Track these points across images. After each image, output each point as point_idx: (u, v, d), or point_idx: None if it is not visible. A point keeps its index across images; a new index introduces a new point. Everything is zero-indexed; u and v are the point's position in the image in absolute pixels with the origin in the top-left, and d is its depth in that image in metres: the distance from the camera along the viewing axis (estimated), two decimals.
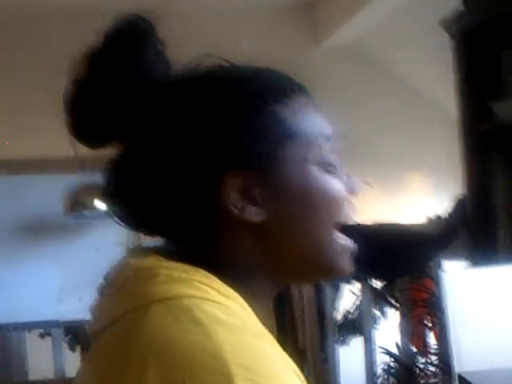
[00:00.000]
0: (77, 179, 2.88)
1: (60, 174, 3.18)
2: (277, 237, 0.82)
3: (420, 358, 3.23)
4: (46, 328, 3.53)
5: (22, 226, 3.04)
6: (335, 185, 0.84)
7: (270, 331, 0.78)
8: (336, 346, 3.08)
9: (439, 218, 3.16)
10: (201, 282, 0.76)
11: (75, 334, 3.83)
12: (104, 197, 0.84)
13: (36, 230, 3.05)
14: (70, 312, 2.96)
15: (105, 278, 0.82)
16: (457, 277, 2.09)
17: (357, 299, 3.54)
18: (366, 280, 3.10)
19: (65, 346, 3.64)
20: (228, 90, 0.81)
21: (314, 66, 5.23)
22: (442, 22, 2.66)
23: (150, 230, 0.85)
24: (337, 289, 3.13)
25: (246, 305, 0.78)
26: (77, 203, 2.97)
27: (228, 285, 0.78)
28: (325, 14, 5.18)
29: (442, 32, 2.67)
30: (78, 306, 2.87)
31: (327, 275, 0.91)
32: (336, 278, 0.90)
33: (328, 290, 3.01)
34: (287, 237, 0.82)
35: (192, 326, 0.70)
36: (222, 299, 0.75)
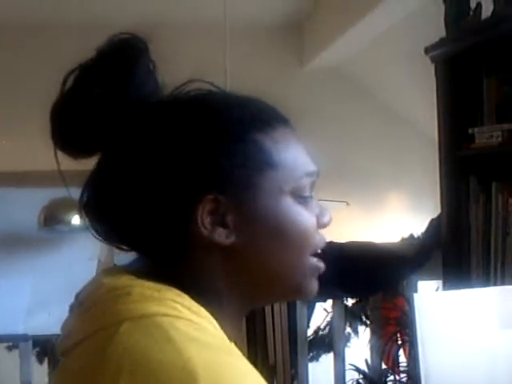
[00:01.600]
0: (52, 193, 2.85)
1: (36, 188, 3.15)
2: (245, 260, 0.84)
3: (389, 375, 3.25)
4: (14, 341, 3.49)
5: None
6: (306, 217, 0.86)
7: (240, 350, 0.80)
8: (306, 362, 3.09)
9: (413, 237, 3.19)
10: (173, 301, 0.77)
11: (43, 346, 3.81)
12: (81, 210, 0.86)
13: (9, 243, 3.02)
14: (39, 326, 2.92)
15: (76, 296, 0.83)
16: (428, 297, 2.11)
17: (328, 316, 3.55)
18: (338, 297, 3.11)
19: (33, 358, 3.61)
20: (213, 115, 0.83)
21: (298, 87, 5.28)
22: (425, 48, 2.70)
23: (125, 245, 0.86)
24: (309, 306, 3.14)
25: (216, 324, 0.80)
26: (51, 217, 2.95)
27: (198, 304, 0.80)
28: (310, 36, 5.22)
29: (425, 57, 2.71)
30: (48, 320, 2.84)
31: (294, 297, 0.95)
32: (302, 299, 0.93)
33: (300, 307, 3.02)
34: (255, 261, 0.84)
35: (165, 343, 0.71)
36: (194, 317, 0.77)
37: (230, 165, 0.81)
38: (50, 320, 2.85)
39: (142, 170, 0.82)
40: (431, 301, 2.02)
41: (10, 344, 3.72)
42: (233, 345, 0.80)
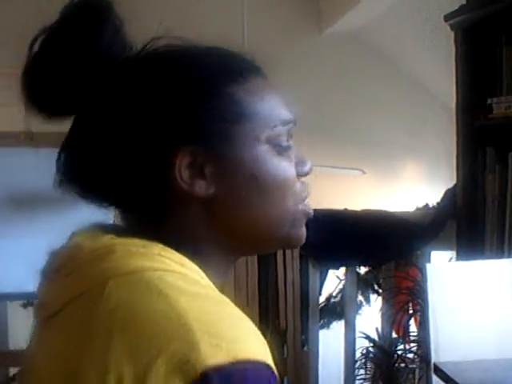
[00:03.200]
0: None
1: (51, 148, 3.16)
2: (226, 211, 0.84)
3: (399, 344, 3.26)
4: (29, 299, 3.52)
5: (7, 197, 3.02)
6: (284, 165, 0.86)
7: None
8: (317, 329, 3.10)
9: (428, 207, 3.18)
10: (160, 255, 0.77)
11: None
12: (59, 172, 0.85)
13: (22, 202, 3.03)
14: None
15: (49, 263, 0.82)
16: (442, 268, 2.10)
17: (340, 283, 3.56)
18: (351, 264, 3.12)
19: None
20: (184, 68, 0.82)
21: (316, 53, 5.24)
22: (445, 16, 2.66)
23: (107, 203, 0.86)
24: (322, 272, 3.15)
25: (203, 274, 0.80)
26: None
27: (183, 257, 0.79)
28: (328, 1, 5.17)
29: (444, 24, 2.68)
30: None
31: (281, 246, 0.93)
32: (290, 247, 0.92)
33: (313, 273, 3.02)
34: (236, 212, 0.84)
35: (155, 297, 0.71)
36: (182, 270, 0.77)
37: (204, 117, 0.81)
38: None
39: (116, 128, 0.81)
40: (444, 271, 2.01)
41: (25, 301, 3.76)
42: (222, 295, 0.79)
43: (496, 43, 2.55)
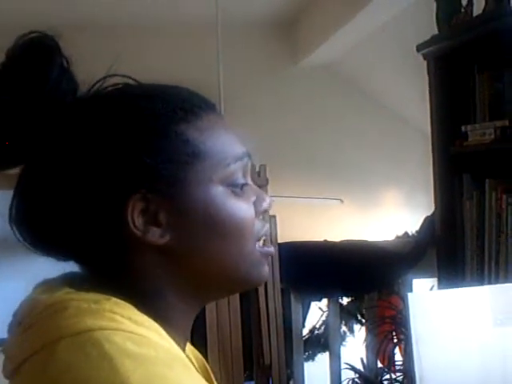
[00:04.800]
0: None
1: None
2: (183, 257, 0.80)
3: (385, 374, 3.25)
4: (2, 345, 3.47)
5: None
6: (241, 206, 0.83)
7: (189, 355, 0.78)
8: (302, 361, 3.09)
9: (408, 235, 3.20)
10: (112, 311, 0.74)
11: None
12: (11, 222, 0.82)
13: (4, 247, 3.00)
14: None
15: (14, 316, 0.80)
16: (423, 296, 2.10)
17: (323, 315, 3.55)
18: (333, 295, 3.11)
19: None
20: (132, 109, 0.79)
21: (291, 84, 5.28)
22: (417, 46, 2.70)
23: (60, 256, 0.83)
24: (305, 305, 3.14)
25: (161, 330, 0.76)
26: None
27: (141, 311, 0.76)
28: (303, 33, 5.21)
29: (417, 54, 2.71)
30: None
31: (244, 287, 0.89)
32: (252, 287, 0.90)
33: (295, 306, 3.02)
34: (194, 256, 0.81)
35: (100, 361, 0.68)
36: (134, 328, 0.73)
37: (154, 161, 0.78)
38: None
39: (65, 175, 0.78)
40: (426, 300, 2.01)
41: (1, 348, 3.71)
42: (179, 353, 0.77)
43: (469, 71, 2.58)
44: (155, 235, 0.79)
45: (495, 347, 1.90)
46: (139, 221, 0.78)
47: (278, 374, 2.94)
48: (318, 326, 3.69)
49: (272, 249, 0.87)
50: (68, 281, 0.81)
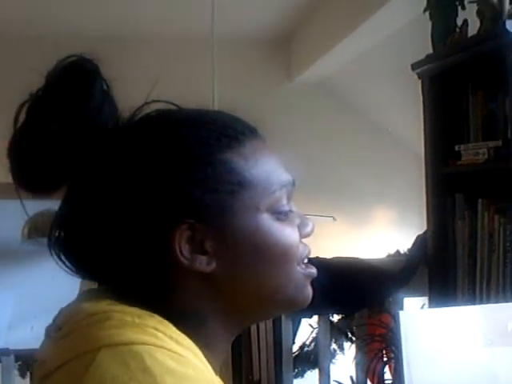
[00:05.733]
0: (37, 206, 2.80)
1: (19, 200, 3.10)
2: (229, 284, 0.80)
3: None
4: None
5: None
6: (287, 232, 0.82)
7: (224, 379, 0.77)
8: (291, 378, 3.07)
9: (399, 253, 3.19)
10: (155, 328, 0.74)
11: (26, 360, 3.76)
12: (50, 248, 0.81)
13: None
14: (21, 340, 2.87)
15: (54, 320, 0.80)
16: (414, 315, 2.10)
17: (313, 332, 3.54)
18: (323, 313, 3.11)
19: (15, 372, 3.56)
20: (176, 137, 0.79)
21: (285, 101, 5.29)
22: (412, 64, 2.71)
23: (101, 280, 0.82)
24: (295, 321, 3.13)
25: (199, 353, 0.76)
26: (35, 230, 2.92)
27: (181, 332, 0.76)
28: (298, 51, 5.24)
29: (412, 73, 2.72)
30: (30, 334, 2.79)
31: (288, 310, 0.90)
32: (297, 309, 0.90)
33: (285, 322, 3.00)
34: (239, 283, 0.81)
35: (141, 375, 0.68)
36: (175, 347, 0.73)
37: (200, 191, 0.77)
38: (33, 334, 2.81)
39: (110, 204, 0.78)
40: (417, 318, 2.01)
41: None
42: (215, 377, 0.77)
43: (463, 91, 2.59)
44: (202, 263, 0.79)
45: (486, 367, 1.89)
46: (186, 249, 0.78)
47: None
48: (307, 343, 3.68)
49: (315, 270, 0.87)
50: (111, 292, 0.80)
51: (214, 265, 0.79)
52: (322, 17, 4.74)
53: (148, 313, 0.76)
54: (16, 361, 3.59)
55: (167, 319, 0.77)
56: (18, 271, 2.99)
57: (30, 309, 2.90)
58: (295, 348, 3.41)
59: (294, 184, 0.86)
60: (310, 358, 3.59)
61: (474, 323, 1.92)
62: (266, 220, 0.81)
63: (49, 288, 2.91)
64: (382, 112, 5.41)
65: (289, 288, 0.84)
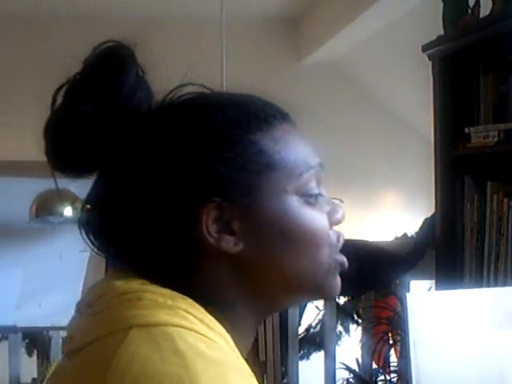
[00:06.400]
0: (45, 184, 2.81)
1: (28, 178, 3.10)
2: (256, 266, 0.80)
3: (380, 375, 3.24)
4: (3, 333, 3.46)
5: None
6: (315, 216, 0.82)
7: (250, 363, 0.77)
8: (297, 360, 3.08)
9: (407, 236, 3.19)
10: (186, 311, 0.75)
11: (33, 338, 3.79)
12: (80, 227, 0.83)
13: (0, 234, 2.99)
14: (29, 318, 2.88)
15: (84, 297, 0.81)
16: (421, 297, 2.10)
17: (319, 314, 3.54)
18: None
19: (22, 350, 3.58)
20: (207, 118, 0.80)
21: (294, 82, 5.27)
22: (423, 46, 2.69)
23: (128, 261, 0.83)
24: (301, 303, 3.13)
25: (228, 337, 0.77)
26: (43, 208, 2.92)
27: (211, 315, 0.77)
28: (307, 30, 5.21)
29: (422, 55, 2.69)
30: (38, 312, 2.80)
31: (315, 298, 0.90)
32: (324, 298, 0.90)
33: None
34: (266, 266, 0.81)
35: (172, 356, 0.68)
36: (205, 330, 0.74)
37: (229, 170, 0.78)
38: (40, 312, 2.82)
39: (140, 183, 0.79)
40: (423, 301, 2.00)
41: (0, 335, 3.70)
42: (243, 362, 0.77)
43: (473, 73, 2.57)
44: (229, 243, 0.79)
45: (493, 350, 1.89)
46: (213, 228, 0.78)
47: (273, 371, 2.94)
48: (313, 325, 3.69)
49: (344, 258, 0.86)
50: (142, 272, 0.80)
51: (241, 245, 0.79)
52: None
53: (180, 295, 0.77)
54: (23, 339, 3.61)
55: (195, 302, 0.77)
56: (26, 249, 3.00)
57: (37, 287, 2.91)
58: (301, 330, 3.42)
59: (322, 167, 0.86)
60: (316, 340, 3.60)
61: (482, 306, 1.92)
62: (294, 202, 0.81)
63: (56, 266, 2.93)
64: (391, 94, 5.39)
65: (317, 274, 0.83)
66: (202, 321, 0.75)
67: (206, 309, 0.77)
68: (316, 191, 0.84)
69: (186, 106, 0.83)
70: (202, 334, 0.73)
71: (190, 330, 0.73)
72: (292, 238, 0.81)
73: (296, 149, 0.84)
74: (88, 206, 0.83)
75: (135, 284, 0.78)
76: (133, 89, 0.82)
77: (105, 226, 0.82)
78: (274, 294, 0.83)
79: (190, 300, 0.77)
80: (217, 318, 0.77)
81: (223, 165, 0.78)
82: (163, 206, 0.78)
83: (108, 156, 0.81)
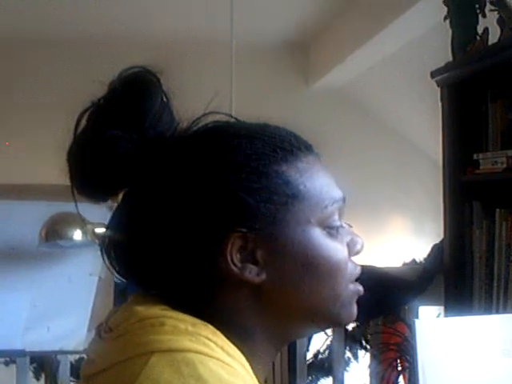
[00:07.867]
0: (55, 208, 2.81)
1: (38, 202, 3.10)
2: (277, 296, 0.81)
3: None
4: (11, 357, 3.44)
5: None
6: (337, 248, 0.84)
7: None
8: None
9: (415, 262, 3.17)
10: (207, 338, 0.75)
11: (40, 362, 3.77)
12: (102, 252, 0.83)
13: (9, 258, 2.98)
14: (37, 342, 2.87)
15: (105, 321, 0.81)
16: (430, 323, 2.09)
17: (328, 339, 3.52)
18: None
19: (30, 374, 3.57)
20: (234, 148, 0.80)
21: (303, 107, 5.29)
22: (431, 72, 2.69)
23: (149, 286, 0.83)
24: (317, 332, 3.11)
25: (247, 365, 0.77)
26: (53, 232, 2.92)
27: (231, 342, 0.77)
28: (316, 56, 5.24)
29: (431, 81, 2.70)
30: (46, 336, 2.79)
31: (332, 327, 0.91)
32: (341, 326, 0.91)
33: None
34: (287, 296, 0.81)
35: (194, 382, 0.69)
36: (226, 358, 0.74)
37: (254, 200, 0.79)
38: (49, 336, 2.81)
39: (165, 211, 0.80)
40: (432, 327, 1.99)
41: (7, 359, 3.69)
42: None
43: (482, 99, 2.58)
44: (252, 273, 0.80)
45: (502, 378, 1.87)
46: (237, 258, 0.79)
47: None
48: (322, 351, 3.66)
49: (361, 288, 0.89)
50: (163, 298, 0.81)
51: (263, 276, 0.80)
52: (340, 23, 4.74)
53: (201, 321, 0.77)
54: (31, 363, 3.60)
55: (217, 330, 0.78)
56: (35, 273, 2.99)
57: (46, 310, 2.90)
58: (309, 355, 3.39)
59: (344, 201, 0.87)
60: (324, 366, 3.57)
61: (491, 333, 1.91)
62: (317, 234, 0.82)
63: (65, 290, 2.92)
64: (400, 119, 5.40)
65: (335, 305, 0.85)
66: (222, 348, 0.75)
67: (226, 336, 0.78)
68: (338, 223, 0.85)
69: (213, 135, 0.83)
70: (223, 361, 0.74)
71: (212, 357, 0.73)
72: (314, 269, 0.82)
73: (320, 181, 0.85)
74: (109, 231, 0.83)
75: (157, 310, 0.78)
76: (158, 115, 0.82)
77: (128, 251, 0.82)
78: (293, 323, 0.84)
79: (211, 327, 0.77)
80: (236, 345, 0.78)
81: (250, 195, 0.79)
82: (189, 233, 0.79)
83: (134, 181, 0.81)
